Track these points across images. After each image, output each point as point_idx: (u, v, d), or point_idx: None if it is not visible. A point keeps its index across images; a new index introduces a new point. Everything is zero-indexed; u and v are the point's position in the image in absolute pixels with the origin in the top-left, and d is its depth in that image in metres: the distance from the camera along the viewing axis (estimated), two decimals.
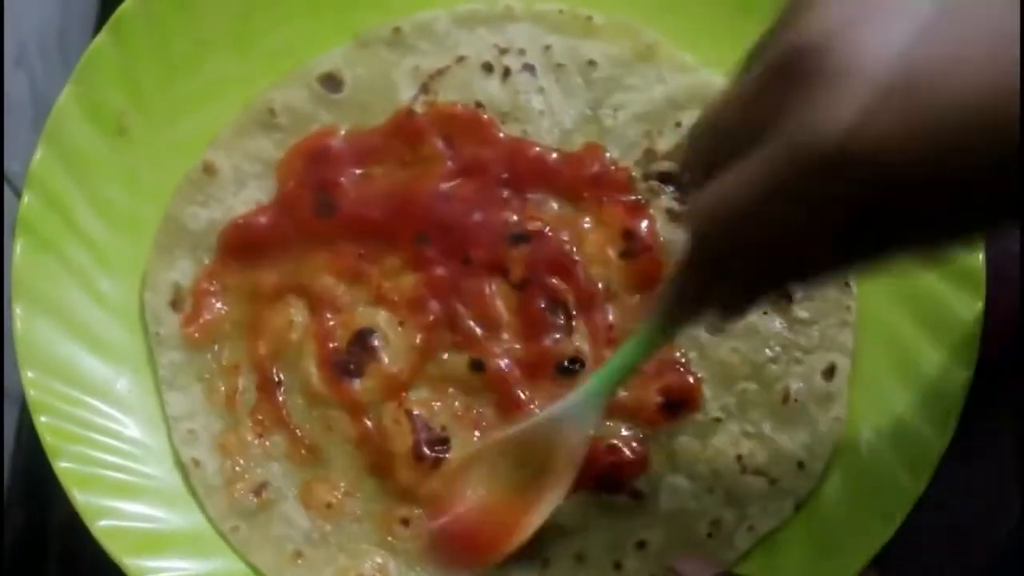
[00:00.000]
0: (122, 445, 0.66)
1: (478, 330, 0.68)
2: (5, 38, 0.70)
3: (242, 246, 0.70)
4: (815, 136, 0.41)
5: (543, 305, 0.68)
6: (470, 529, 0.64)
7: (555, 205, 0.70)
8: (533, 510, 0.63)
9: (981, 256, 0.63)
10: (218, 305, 0.69)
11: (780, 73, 0.43)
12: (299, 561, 0.65)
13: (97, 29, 0.70)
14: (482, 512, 0.64)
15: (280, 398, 0.68)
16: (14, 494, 0.71)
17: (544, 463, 0.62)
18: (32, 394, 0.63)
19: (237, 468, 0.66)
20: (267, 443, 0.67)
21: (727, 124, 0.47)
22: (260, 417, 0.67)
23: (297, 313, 0.69)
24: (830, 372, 0.65)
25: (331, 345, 0.68)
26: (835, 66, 0.41)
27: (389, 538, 0.65)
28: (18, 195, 0.70)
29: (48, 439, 0.63)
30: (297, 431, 0.67)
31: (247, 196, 0.71)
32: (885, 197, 0.41)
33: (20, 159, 0.71)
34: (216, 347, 0.69)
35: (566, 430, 0.62)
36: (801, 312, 0.67)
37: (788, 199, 0.43)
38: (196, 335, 0.68)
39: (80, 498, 0.62)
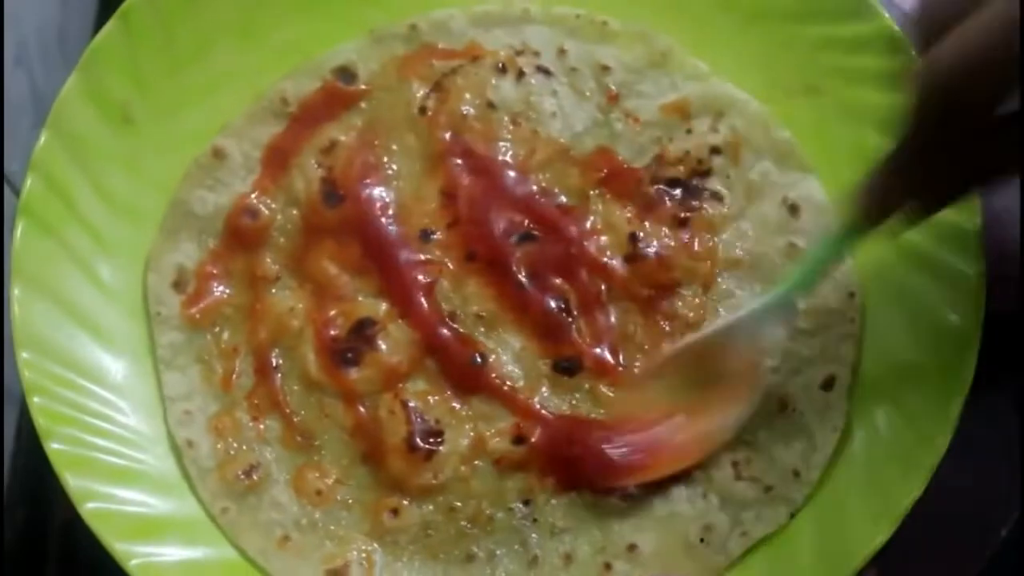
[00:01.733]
0: (115, 429, 0.65)
1: (478, 326, 0.67)
2: (5, 38, 0.71)
3: (247, 232, 0.70)
4: None
5: (545, 304, 0.68)
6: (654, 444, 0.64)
7: (562, 206, 0.70)
8: (711, 421, 0.63)
9: (979, 269, 0.63)
10: (220, 288, 0.69)
11: None
12: (287, 545, 0.64)
13: (97, 28, 0.71)
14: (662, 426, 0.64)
15: (277, 383, 0.67)
16: (14, 494, 0.70)
17: (722, 374, 0.63)
18: (27, 375, 0.63)
19: (231, 450, 0.66)
20: (262, 427, 0.67)
21: None
22: (256, 401, 0.67)
23: (298, 300, 0.68)
24: (829, 383, 0.65)
25: (331, 333, 0.68)
26: None
27: (377, 527, 0.64)
28: (18, 195, 0.70)
29: (41, 421, 0.62)
30: (292, 416, 0.67)
31: (255, 182, 0.71)
32: None
33: (20, 159, 0.71)
34: (216, 329, 0.69)
35: (747, 340, 0.63)
36: (803, 323, 0.67)
37: None
38: (197, 316, 0.69)
39: (71, 480, 0.61)
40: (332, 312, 0.68)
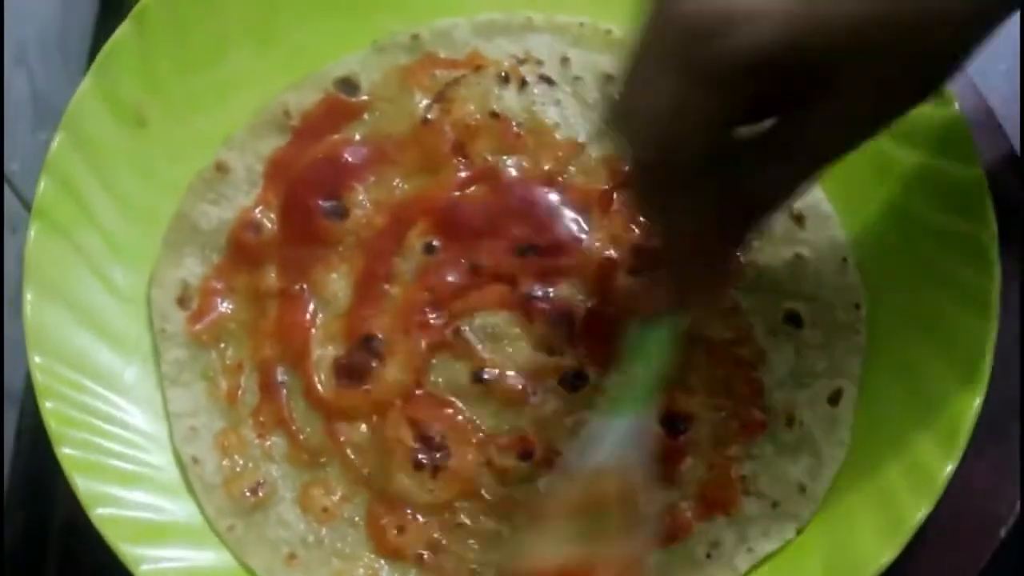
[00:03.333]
0: (126, 434, 0.65)
1: (482, 340, 0.67)
2: (5, 37, 0.70)
3: (251, 247, 0.70)
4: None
5: (549, 318, 0.67)
6: None
7: (567, 218, 0.69)
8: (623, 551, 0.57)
9: (996, 278, 0.62)
10: (224, 304, 0.69)
11: None
12: (293, 563, 0.64)
13: (97, 29, 0.71)
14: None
15: (283, 400, 0.67)
16: (14, 496, 0.70)
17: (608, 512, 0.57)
18: (39, 379, 0.63)
19: (236, 468, 0.66)
20: (267, 444, 0.66)
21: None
22: (262, 418, 0.67)
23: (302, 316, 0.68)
24: (836, 397, 0.65)
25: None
26: None
27: (383, 544, 0.64)
28: (18, 195, 0.70)
29: (52, 425, 0.62)
30: (298, 434, 0.66)
31: (260, 195, 0.71)
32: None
33: (20, 159, 0.71)
34: (221, 346, 0.68)
35: (614, 470, 0.57)
36: (810, 337, 0.66)
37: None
38: (202, 333, 0.68)
39: (81, 484, 0.61)
40: (336, 328, 0.68)
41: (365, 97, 0.72)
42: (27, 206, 0.72)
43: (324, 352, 0.68)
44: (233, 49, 0.72)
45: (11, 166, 0.71)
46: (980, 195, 0.64)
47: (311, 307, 0.69)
